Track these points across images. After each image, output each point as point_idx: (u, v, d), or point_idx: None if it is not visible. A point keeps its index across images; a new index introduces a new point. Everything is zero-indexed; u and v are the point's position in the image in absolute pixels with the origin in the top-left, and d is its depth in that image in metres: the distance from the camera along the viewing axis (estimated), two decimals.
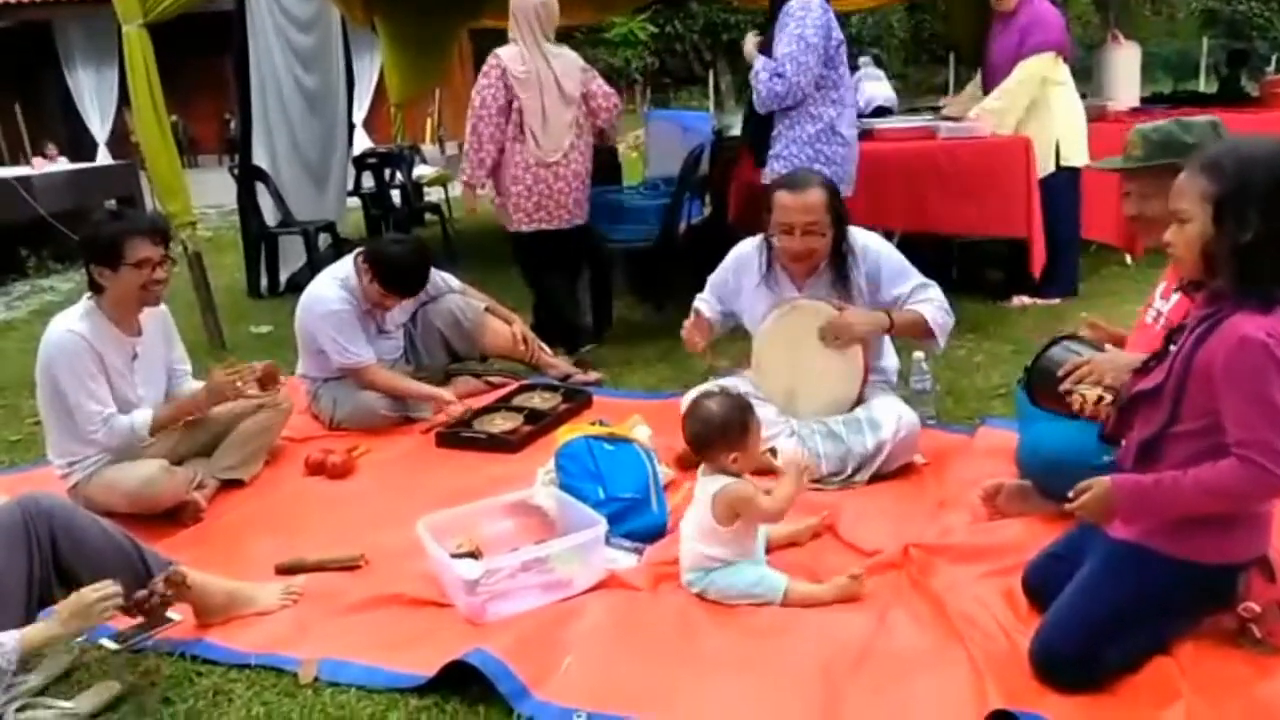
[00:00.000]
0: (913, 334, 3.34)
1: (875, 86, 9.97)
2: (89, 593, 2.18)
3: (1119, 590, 2.07)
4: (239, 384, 3.28)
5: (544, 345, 4.51)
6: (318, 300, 3.96)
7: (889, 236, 3.92)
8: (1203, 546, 2.03)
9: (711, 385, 3.44)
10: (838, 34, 4.15)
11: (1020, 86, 5.08)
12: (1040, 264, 5.01)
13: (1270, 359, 1.85)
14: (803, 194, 3.19)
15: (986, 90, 5.37)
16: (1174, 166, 2.28)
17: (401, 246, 4.03)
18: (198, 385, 3.47)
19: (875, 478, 3.18)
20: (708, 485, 2.55)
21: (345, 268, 4.04)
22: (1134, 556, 2.08)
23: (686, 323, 3.49)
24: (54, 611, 2.26)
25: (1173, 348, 2.03)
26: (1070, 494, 2.12)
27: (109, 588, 2.20)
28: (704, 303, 3.61)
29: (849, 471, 3.17)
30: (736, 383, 3.45)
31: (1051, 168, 5.07)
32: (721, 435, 2.54)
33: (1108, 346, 2.47)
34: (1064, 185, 5.11)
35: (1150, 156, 2.54)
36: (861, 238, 3.36)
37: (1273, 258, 1.87)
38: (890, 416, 3.18)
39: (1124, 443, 2.16)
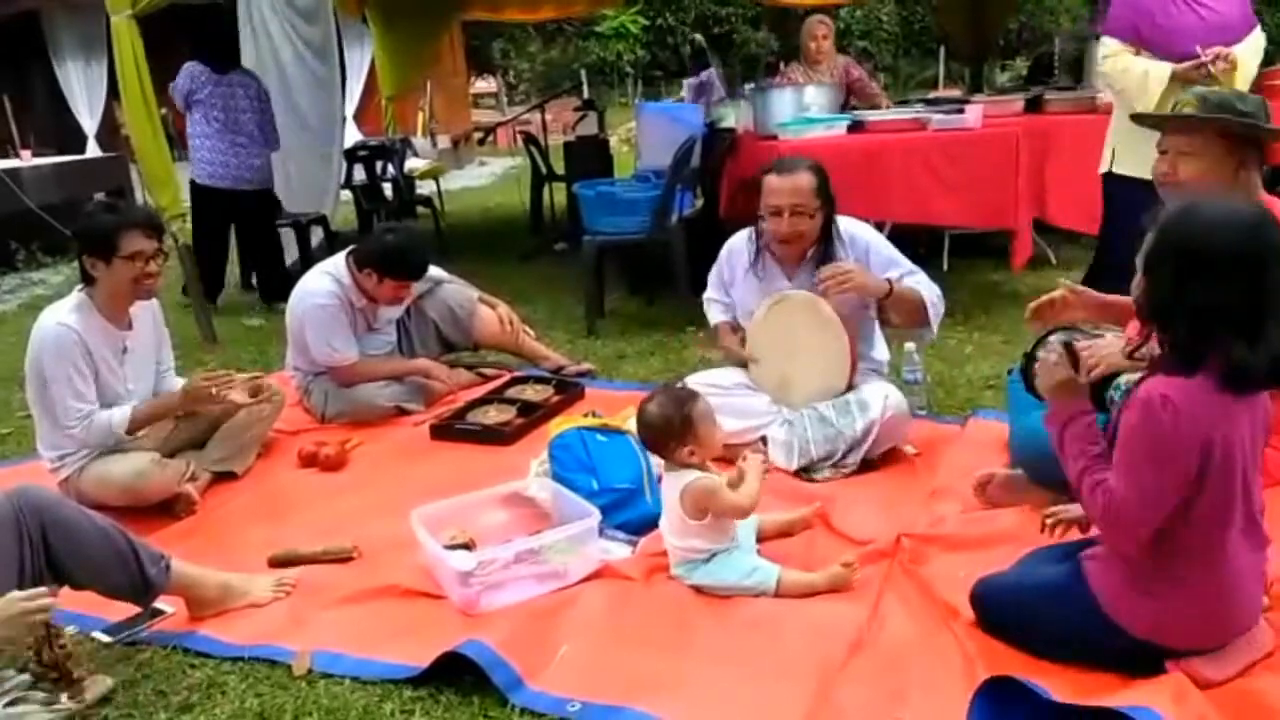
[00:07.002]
0: (908, 311, 3.32)
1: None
2: (19, 601, 2.06)
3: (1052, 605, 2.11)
4: (215, 391, 3.23)
5: (529, 330, 4.53)
6: (307, 293, 3.96)
7: (879, 227, 3.92)
8: (1133, 612, 1.99)
9: (706, 373, 3.46)
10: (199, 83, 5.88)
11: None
12: (1023, 256, 4.98)
13: (1149, 418, 1.84)
14: (790, 176, 3.22)
15: None
16: (1222, 124, 2.36)
17: (394, 235, 4.04)
18: (181, 383, 3.46)
19: (866, 466, 3.19)
20: (674, 482, 2.55)
21: (338, 263, 4.02)
22: (1077, 586, 2.06)
23: (719, 348, 3.62)
24: None
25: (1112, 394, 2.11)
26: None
27: (39, 597, 2.08)
28: (714, 303, 3.65)
29: (840, 455, 3.18)
30: (729, 373, 3.47)
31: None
32: (665, 434, 2.55)
33: (1107, 334, 2.47)
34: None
35: (1204, 113, 2.53)
36: (850, 226, 3.37)
37: (1186, 321, 1.85)
38: (877, 397, 3.19)
39: None
